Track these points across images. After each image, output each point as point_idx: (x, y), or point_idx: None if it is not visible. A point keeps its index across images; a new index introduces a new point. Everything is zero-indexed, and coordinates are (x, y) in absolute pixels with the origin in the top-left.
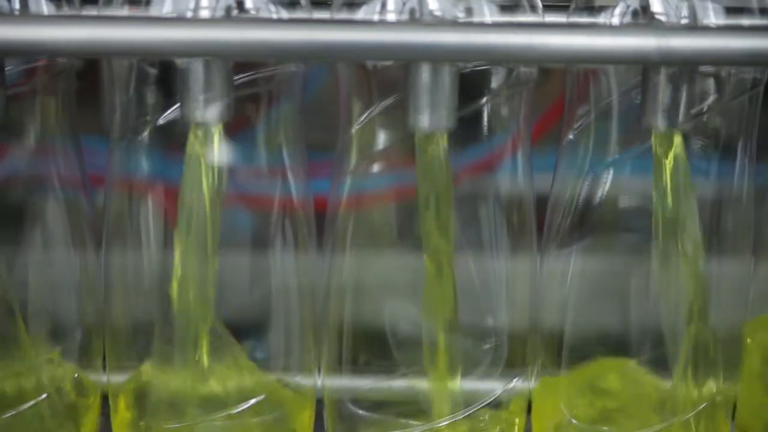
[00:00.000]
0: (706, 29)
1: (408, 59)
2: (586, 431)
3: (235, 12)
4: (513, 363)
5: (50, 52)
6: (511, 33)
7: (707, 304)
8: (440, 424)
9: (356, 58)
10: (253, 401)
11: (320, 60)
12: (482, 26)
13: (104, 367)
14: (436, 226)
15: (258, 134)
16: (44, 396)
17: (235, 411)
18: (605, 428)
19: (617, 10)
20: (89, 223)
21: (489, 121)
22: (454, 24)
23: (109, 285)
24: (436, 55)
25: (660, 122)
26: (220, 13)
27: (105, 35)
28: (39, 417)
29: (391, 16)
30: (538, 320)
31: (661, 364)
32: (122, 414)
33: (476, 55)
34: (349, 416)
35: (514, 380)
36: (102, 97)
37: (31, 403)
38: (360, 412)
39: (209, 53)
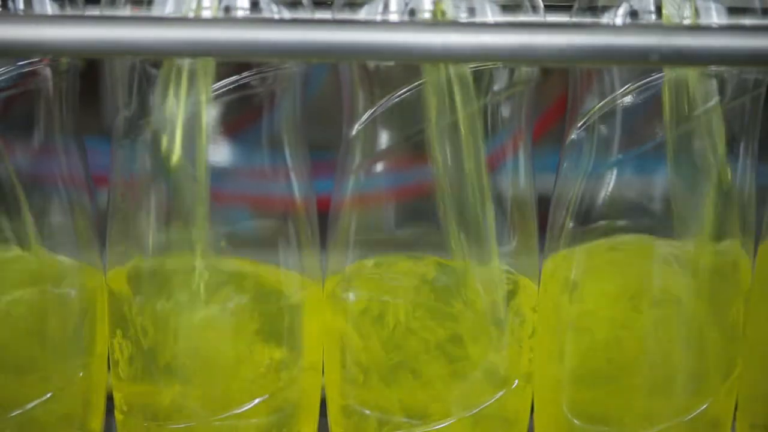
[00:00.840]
0: (707, 29)
1: (409, 59)
2: (587, 430)
3: (238, 12)
4: (509, 367)
5: (51, 52)
6: (512, 33)
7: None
8: (444, 424)
9: (357, 58)
10: (257, 401)
11: (322, 60)
12: (483, 26)
13: (109, 367)
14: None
15: (260, 134)
16: (49, 395)
17: (239, 411)
18: (606, 429)
19: (620, 11)
20: (93, 223)
21: (490, 121)
22: (455, 24)
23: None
24: (437, 56)
25: None
26: (221, 13)
27: (105, 35)
28: (44, 416)
29: (393, 17)
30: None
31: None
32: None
33: (477, 56)
34: (353, 416)
35: (515, 383)
36: (103, 97)
37: (36, 402)
38: (365, 411)
39: (210, 53)
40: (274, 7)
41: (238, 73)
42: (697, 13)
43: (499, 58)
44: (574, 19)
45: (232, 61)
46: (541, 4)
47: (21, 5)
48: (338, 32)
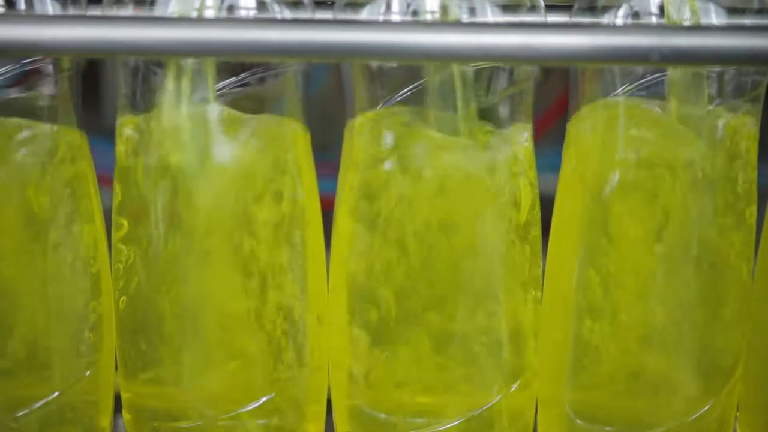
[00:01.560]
0: (707, 29)
1: (411, 59)
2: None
3: (240, 12)
4: (513, 366)
5: (52, 52)
6: (512, 33)
7: None
8: (448, 426)
9: (359, 58)
10: (264, 399)
11: (323, 61)
12: (484, 26)
13: (116, 366)
14: None
15: None
16: (56, 394)
17: (244, 410)
18: (608, 428)
19: (620, 11)
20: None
21: (491, 120)
22: (456, 24)
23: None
24: (438, 56)
25: None
26: (224, 12)
27: (106, 35)
28: (51, 415)
29: (395, 17)
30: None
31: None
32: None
33: (478, 55)
34: (358, 416)
35: (515, 384)
36: (103, 96)
37: (43, 401)
38: (370, 411)
39: (212, 53)
40: (276, 7)
41: (240, 72)
42: (696, 12)
43: (500, 57)
44: (574, 19)
45: (232, 61)
46: (542, 4)
47: (22, 5)
48: (340, 32)
